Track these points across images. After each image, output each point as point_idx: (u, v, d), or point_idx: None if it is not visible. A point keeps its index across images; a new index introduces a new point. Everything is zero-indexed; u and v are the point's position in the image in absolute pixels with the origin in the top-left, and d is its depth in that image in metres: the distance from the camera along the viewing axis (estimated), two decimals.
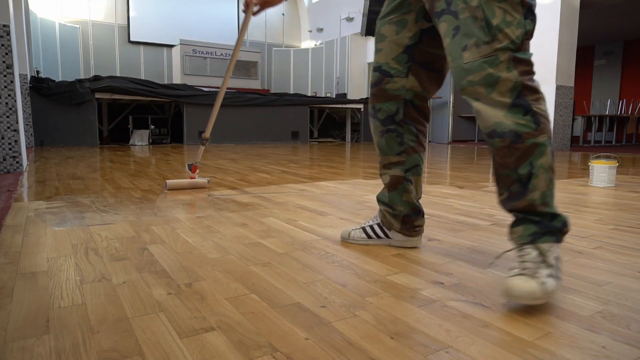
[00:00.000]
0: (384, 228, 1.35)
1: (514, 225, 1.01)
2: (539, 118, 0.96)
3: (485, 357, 0.71)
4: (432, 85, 1.24)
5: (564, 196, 2.34)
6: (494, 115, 0.97)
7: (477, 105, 1.00)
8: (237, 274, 1.09)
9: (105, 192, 2.35)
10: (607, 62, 10.07)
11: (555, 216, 0.97)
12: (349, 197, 2.27)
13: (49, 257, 1.22)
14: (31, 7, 7.51)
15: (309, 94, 10.14)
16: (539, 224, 0.97)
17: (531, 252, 0.95)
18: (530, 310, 0.89)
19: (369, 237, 1.37)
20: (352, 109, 8.81)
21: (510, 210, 1.02)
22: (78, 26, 8.77)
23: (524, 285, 0.88)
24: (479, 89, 0.98)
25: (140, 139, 6.99)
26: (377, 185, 2.69)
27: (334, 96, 9.70)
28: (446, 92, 9.04)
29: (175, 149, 5.90)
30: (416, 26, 1.18)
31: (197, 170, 2.55)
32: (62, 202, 2.05)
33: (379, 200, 1.35)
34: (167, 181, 2.45)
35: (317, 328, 0.81)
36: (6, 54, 3.00)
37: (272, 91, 10.50)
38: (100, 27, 9.24)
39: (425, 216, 1.39)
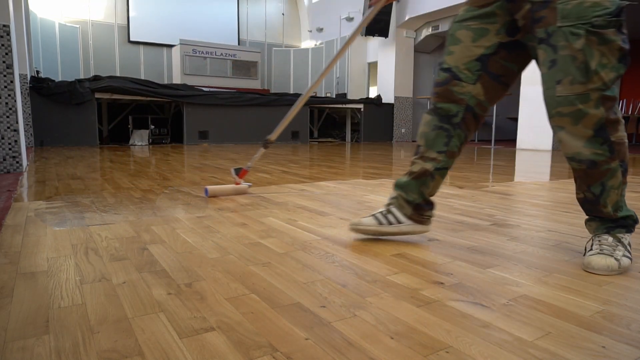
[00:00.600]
0: (393, 213, 1.39)
1: (590, 220, 1.21)
2: (614, 146, 1.09)
3: (485, 357, 0.71)
4: (495, 97, 1.28)
5: (564, 196, 2.34)
6: (575, 145, 1.11)
7: (561, 134, 1.12)
8: (237, 274, 1.09)
9: (105, 192, 2.35)
10: None
11: (626, 217, 1.16)
12: (349, 197, 2.27)
13: (49, 257, 1.22)
14: (31, 7, 7.51)
15: None
16: (614, 222, 1.17)
17: (608, 238, 1.15)
18: (530, 310, 0.89)
19: (380, 222, 1.39)
20: (352, 109, 8.81)
21: (585, 211, 1.21)
22: (78, 26, 8.77)
23: (603, 261, 1.10)
24: (566, 120, 1.10)
25: (140, 139, 6.99)
26: (377, 185, 2.69)
27: (334, 96, 9.70)
28: None
29: (175, 149, 5.90)
30: (496, 38, 1.21)
31: (244, 177, 2.39)
32: (62, 202, 2.05)
33: (396, 184, 1.40)
34: (207, 187, 2.20)
35: (317, 328, 0.81)
36: (6, 54, 3.00)
37: (272, 91, 10.49)
38: (100, 27, 9.24)
39: (434, 208, 1.44)
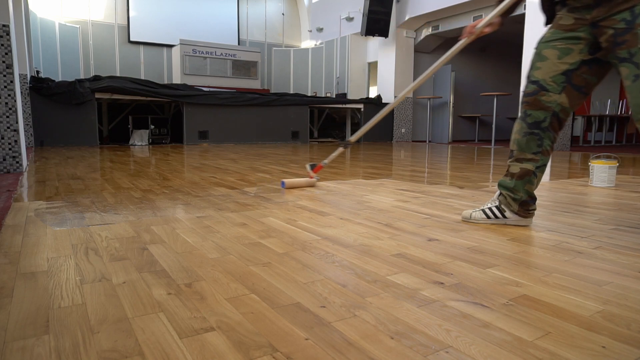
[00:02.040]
0: (501, 209, 1.64)
1: None
2: None
3: (485, 357, 0.71)
4: (576, 104, 1.52)
5: (564, 196, 2.34)
6: None
7: None
8: (237, 274, 1.09)
9: (105, 192, 2.35)
10: None
11: None
12: (349, 197, 2.27)
13: (49, 257, 1.22)
14: (31, 7, 7.50)
15: (309, 94, 10.14)
16: None
17: None
18: (530, 310, 0.89)
19: (488, 217, 1.67)
20: (352, 109, 8.81)
21: None
22: (78, 26, 8.77)
23: None
24: None
25: (140, 139, 6.99)
26: (377, 185, 2.69)
27: (334, 96, 9.70)
28: (446, 92, 9.05)
29: (175, 149, 5.90)
30: (579, 56, 1.45)
31: (317, 172, 2.66)
32: (62, 202, 2.05)
33: (501, 185, 1.65)
34: (284, 180, 2.54)
35: (317, 328, 0.81)
36: (6, 54, 3.00)
37: (272, 91, 10.49)
38: (100, 27, 9.23)
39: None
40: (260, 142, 7.77)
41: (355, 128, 9.25)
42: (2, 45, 2.98)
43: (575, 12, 1.45)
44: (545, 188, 2.65)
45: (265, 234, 1.49)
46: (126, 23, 9.49)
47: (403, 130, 9.30)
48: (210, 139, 7.31)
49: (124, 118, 7.40)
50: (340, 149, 2.61)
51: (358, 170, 3.58)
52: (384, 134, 9.17)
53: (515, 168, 1.59)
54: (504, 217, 1.64)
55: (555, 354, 0.72)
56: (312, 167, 2.66)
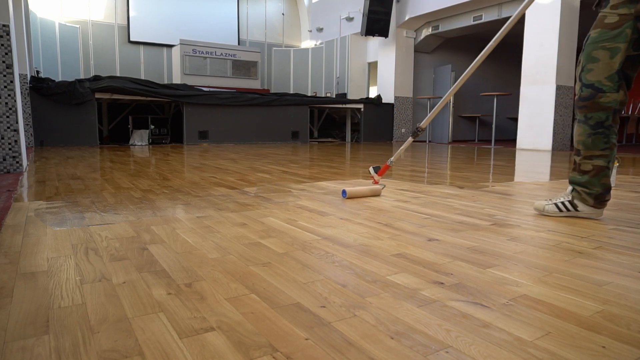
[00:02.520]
0: (574, 204, 1.72)
1: None
2: None
3: (485, 357, 0.71)
4: (627, 94, 1.60)
5: None
6: None
7: None
8: (237, 274, 1.09)
9: (105, 192, 2.35)
10: None
11: None
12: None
13: (49, 257, 1.22)
14: (31, 7, 7.50)
15: (309, 94, 10.14)
16: None
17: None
18: (530, 310, 0.89)
19: (560, 210, 1.75)
20: (352, 109, 8.81)
21: None
22: (78, 26, 8.77)
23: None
24: None
25: (140, 139, 6.99)
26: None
27: (334, 96, 9.70)
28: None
29: (175, 149, 5.90)
30: (626, 53, 1.52)
31: (384, 173, 2.28)
32: (62, 202, 2.05)
33: (573, 182, 1.71)
34: (346, 189, 2.18)
35: (317, 328, 0.81)
36: (6, 54, 3.00)
37: (272, 91, 10.49)
38: (100, 27, 9.23)
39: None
40: (260, 142, 7.77)
41: (355, 128, 9.25)
42: (2, 45, 2.98)
43: (619, 8, 1.49)
44: (546, 188, 2.65)
45: (265, 234, 1.49)
46: (126, 23, 9.50)
47: (403, 130, 9.30)
48: (210, 139, 7.31)
49: (124, 118, 7.40)
50: (410, 139, 2.31)
51: (358, 170, 3.58)
52: (384, 134, 9.16)
53: (587, 166, 1.66)
54: (576, 210, 1.72)
55: (555, 354, 0.72)
56: (376, 170, 2.28)
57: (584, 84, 1.59)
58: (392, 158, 2.28)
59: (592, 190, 1.66)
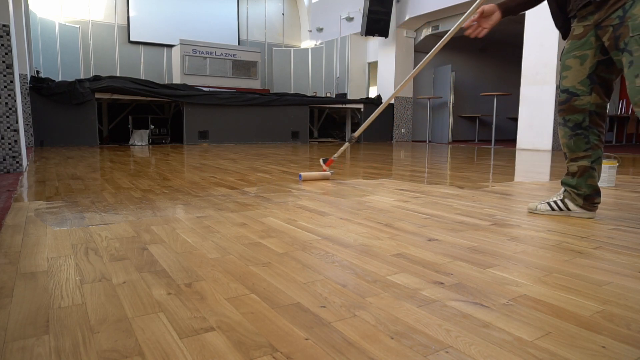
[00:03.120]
0: (565, 203, 1.79)
1: None
2: None
3: (485, 357, 0.71)
4: (608, 95, 1.70)
5: None
6: None
7: None
8: (237, 274, 1.09)
9: (105, 192, 2.35)
10: None
11: None
12: (349, 197, 2.27)
13: (49, 257, 1.22)
14: (31, 7, 7.50)
15: (309, 94, 10.14)
16: None
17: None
18: (530, 310, 0.89)
19: (552, 209, 1.82)
20: (352, 108, 8.81)
21: None
22: (78, 26, 8.77)
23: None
24: None
25: (140, 139, 6.99)
26: (377, 185, 2.69)
27: (334, 96, 9.70)
28: (446, 92, 9.04)
29: (175, 149, 5.90)
30: (595, 58, 1.65)
31: (329, 165, 3.02)
32: (62, 202, 2.05)
33: (564, 183, 1.79)
34: (301, 174, 2.84)
35: (317, 328, 0.81)
36: (6, 54, 3.00)
37: (272, 91, 10.49)
38: (100, 27, 9.23)
39: (601, 196, 1.76)
40: (260, 142, 7.77)
41: (355, 128, 9.25)
42: (2, 45, 2.98)
43: (583, 21, 1.66)
44: (546, 188, 2.65)
45: (265, 234, 1.49)
46: (126, 23, 9.50)
47: (403, 130, 9.30)
48: (210, 139, 7.31)
49: (124, 118, 7.40)
50: (347, 145, 3.01)
51: (358, 170, 3.58)
52: (383, 134, 9.16)
53: (574, 167, 1.75)
54: (568, 209, 1.79)
55: (555, 354, 0.72)
56: (325, 161, 3.00)
57: (561, 90, 1.74)
58: (335, 155, 3.02)
59: (581, 191, 1.74)
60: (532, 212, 1.88)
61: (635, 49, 1.46)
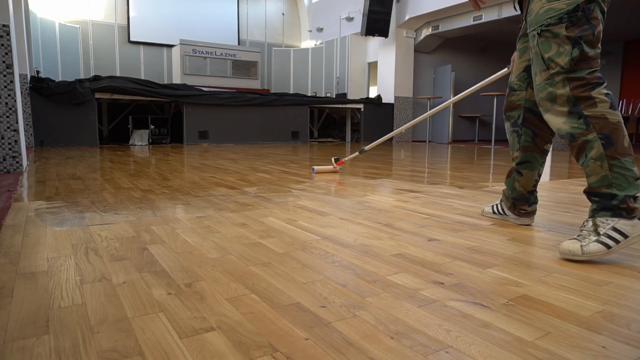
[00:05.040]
0: (502, 206, 1.73)
1: (590, 201, 1.29)
2: (589, 120, 1.24)
3: (485, 357, 0.71)
4: None
5: (565, 196, 2.34)
6: (556, 122, 1.31)
7: (546, 115, 1.34)
8: (237, 274, 1.09)
9: (105, 192, 2.35)
10: (607, 62, 10.08)
11: (614, 196, 1.21)
12: (349, 197, 2.27)
13: (49, 257, 1.22)
14: (31, 7, 7.50)
15: (309, 94, 10.13)
16: (597, 202, 1.25)
17: (588, 222, 1.25)
18: (530, 310, 0.89)
19: (494, 212, 1.77)
20: (352, 109, 8.81)
21: (584, 191, 1.31)
22: (78, 26, 8.77)
23: (567, 246, 1.22)
24: (546, 103, 1.33)
25: (140, 139, 6.99)
26: (377, 185, 2.69)
27: (334, 96, 9.70)
28: (446, 92, 9.04)
29: (175, 149, 5.90)
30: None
31: (340, 165, 3.42)
32: (62, 202, 2.05)
33: (505, 182, 1.70)
34: (314, 167, 3.29)
35: (317, 328, 0.81)
36: (6, 54, 3.00)
37: (272, 91, 10.49)
38: (100, 27, 9.23)
39: (535, 204, 1.64)
40: (260, 142, 7.77)
41: (355, 128, 9.25)
42: (2, 45, 2.98)
43: (523, 14, 1.56)
44: (545, 188, 2.65)
45: (265, 234, 1.49)
46: (126, 23, 9.50)
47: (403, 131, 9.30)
48: (210, 139, 7.31)
49: (124, 118, 7.40)
50: (357, 154, 3.36)
51: (358, 170, 3.58)
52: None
53: (510, 167, 1.66)
54: (505, 214, 1.72)
55: (555, 354, 0.72)
56: (336, 160, 3.43)
57: (508, 84, 1.64)
58: (346, 158, 3.47)
59: (507, 193, 1.67)
60: (482, 214, 1.82)
61: (531, 45, 1.36)
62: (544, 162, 1.58)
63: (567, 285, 1.03)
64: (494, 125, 7.60)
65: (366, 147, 3.17)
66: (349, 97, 9.54)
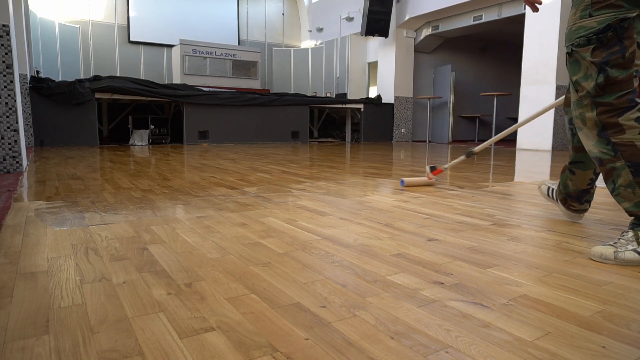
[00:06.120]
0: (556, 195, 1.72)
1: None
2: (617, 147, 1.23)
3: (485, 357, 0.71)
4: None
5: None
6: (587, 144, 1.31)
7: (579, 134, 1.34)
8: (237, 274, 1.09)
9: (105, 192, 2.35)
10: None
11: None
12: (349, 197, 2.27)
13: (49, 257, 1.22)
14: (31, 7, 7.50)
15: (309, 94, 10.14)
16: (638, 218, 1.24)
17: (628, 232, 1.24)
18: (530, 310, 0.89)
19: (548, 195, 1.78)
20: (352, 109, 8.81)
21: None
22: (78, 26, 8.77)
23: (599, 250, 1.21)
24: (578, 122, 1.33)
25: (140, 139, 6.99)
26: (376, 186, 2.69)
27: (334, 96, 9.70)
28: (446, 92, 9.04)
29: (175, 149, 5.90)
30: None
31: (436, 175, 2.82)
32: (62, 202, 2.05)
33: (560, 176, 1.69)
34: (404, 179, 2.68)
35: (317, 328, 0.81)
36: (6, 54, 3.00)
37: (272, 91, 10.49)
38: (100, 27, 9.23)
39: (588, 202, 1.63)
40: (260, 142, 7.77)
41: (355, 128, 9.25)
42: (2, 45, 2.98)
43: None
44: None
45: (265, 234, 1.49)
46: (126, 23, 9.50)
47: (403, 130, 9.30)
48: (210, 139, 7.31)
49: (124, 118, 7.40)
50: (462, 158, 2.76)
51: (358, 170, 3.58)
52: (383, 134, 9.17)
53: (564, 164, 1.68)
54: (557, 201, 1.73)
55: (555, 354, 0.72)
56: (432, 169, 2.80)
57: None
58: (446, 166, 2.81)
59: (559, 187, 1.68)
60: (539, 189, 1.85)
61: (569, 61, 1.33)
62: None
63: (567, 285, 1.03)
64: (494, 125, 7.60)
65: (476, 149, 2.65)
66: (349, 97, 9.54)
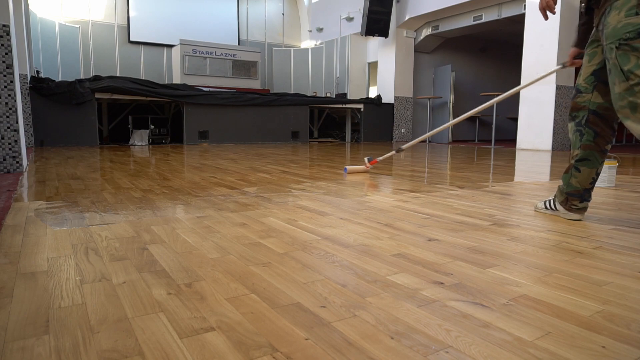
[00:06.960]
0: (554, 201, 1.81)
1: None
2: None
3: (485, 357, 0.71)
4: (605, 98, 1.65)
5: None
6: (637, 129, 1.41)
7: (627, 122, 1.44)
8: (237, 274, 1.09)
9: (105, 192, 2.35)
10: None
11: None
12: (349, 197, 2.27)
13: (49, 257, 1.22)
14: (31, 7, 7.50)
15: (309, 94, 10.13)
16: None
17: None
18: (530, 310, 0.89)
19: (546, 208, 1.86)
20: (352, 109, 8.81)
21: None
22: (78, 26, 8.77)
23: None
24: (625, 111, 1.43)
25: (140, 139, 6.98)
26: (376, 186, 2.69)
27: (334, 96, 9.69)
28: (446, 92, 9.04)
29: (175, 149, 5.90)
30: (601, 56, 1.62)
31: (372, 165, 3.45)
32: (62, 202, 2.05)
33: (562, 177, 1.79)
34: (347, 167, 3.34)
35: (317, 328, 0.81)
36: (6, 54, 3.00)
37: (272, 91, 10.49)
38: (100, 27, 9.23)
39: (587, 201, 1.73)
40: (260, 142, 7.77)
41: (355, 128, 9.25)
42: (2, 45, 2.98)
43: (595, 23, 1.67)
44: (545, 188, 2.65)
45: (265, 234, 1.49)
46: (126, 23, 9.49)
47: (403, 130, 9.30)
48: (210, 139, 7.31)
49: (124, 118, 7.40)
50: (393, 152, 3.41)
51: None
52: (384, 134, 9.17)
53: (569, 164, 1.76)
54: (556, 209, 1.81)
55: (555, 354, 0.72)
56: (369, 159, 3.45)
57: (574, 87, 1.76)
58: (380, 158, 3.46)
59: (562, 187, 1.76)
60: (536, 210, 1.92)
61: (609, 57, 1.48)
62: (603, 162, 1.67)
63: (567, 285, 1.03)
64: (494, 125, 7.60)
65: (403, 147, 3.20)
66: (349, 97, 9.54)
